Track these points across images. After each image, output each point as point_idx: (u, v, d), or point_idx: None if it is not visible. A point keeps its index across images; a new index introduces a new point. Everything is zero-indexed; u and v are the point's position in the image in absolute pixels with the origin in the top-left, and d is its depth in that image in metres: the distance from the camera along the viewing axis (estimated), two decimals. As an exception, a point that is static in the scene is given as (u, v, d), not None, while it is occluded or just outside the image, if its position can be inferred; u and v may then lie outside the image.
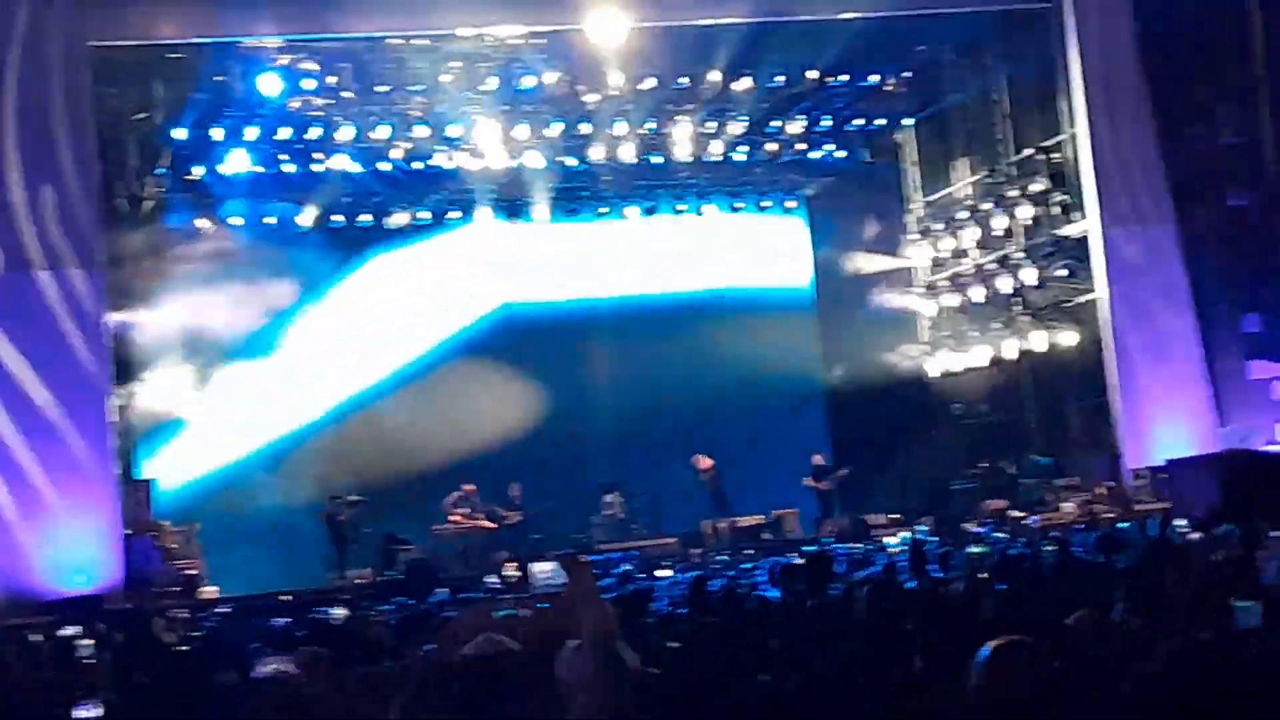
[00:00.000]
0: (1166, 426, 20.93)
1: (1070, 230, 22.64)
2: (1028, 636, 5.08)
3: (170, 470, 22.37)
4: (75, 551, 17.82)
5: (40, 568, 17.66)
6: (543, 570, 17.28)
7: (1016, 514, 20.77)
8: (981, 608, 8.65)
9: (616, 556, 19.13)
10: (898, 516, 22.26)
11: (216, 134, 22.19)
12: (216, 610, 15.75)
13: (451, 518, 22.57)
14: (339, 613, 12.70)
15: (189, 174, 22.87)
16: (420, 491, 23.13)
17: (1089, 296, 22.34)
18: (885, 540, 17.94)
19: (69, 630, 13.39)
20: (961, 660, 5.07)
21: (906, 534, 18.96)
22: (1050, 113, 23.09)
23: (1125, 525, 15.94)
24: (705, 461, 23.80)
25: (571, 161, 24.75)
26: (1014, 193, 23.64)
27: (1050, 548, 13.14)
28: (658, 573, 16.82)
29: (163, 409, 21.62)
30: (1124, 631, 6.89)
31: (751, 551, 19.84)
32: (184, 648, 11.39)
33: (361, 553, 22.10)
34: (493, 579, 18.46)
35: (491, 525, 22.72)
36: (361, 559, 21.95)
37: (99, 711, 7.37)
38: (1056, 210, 22.88)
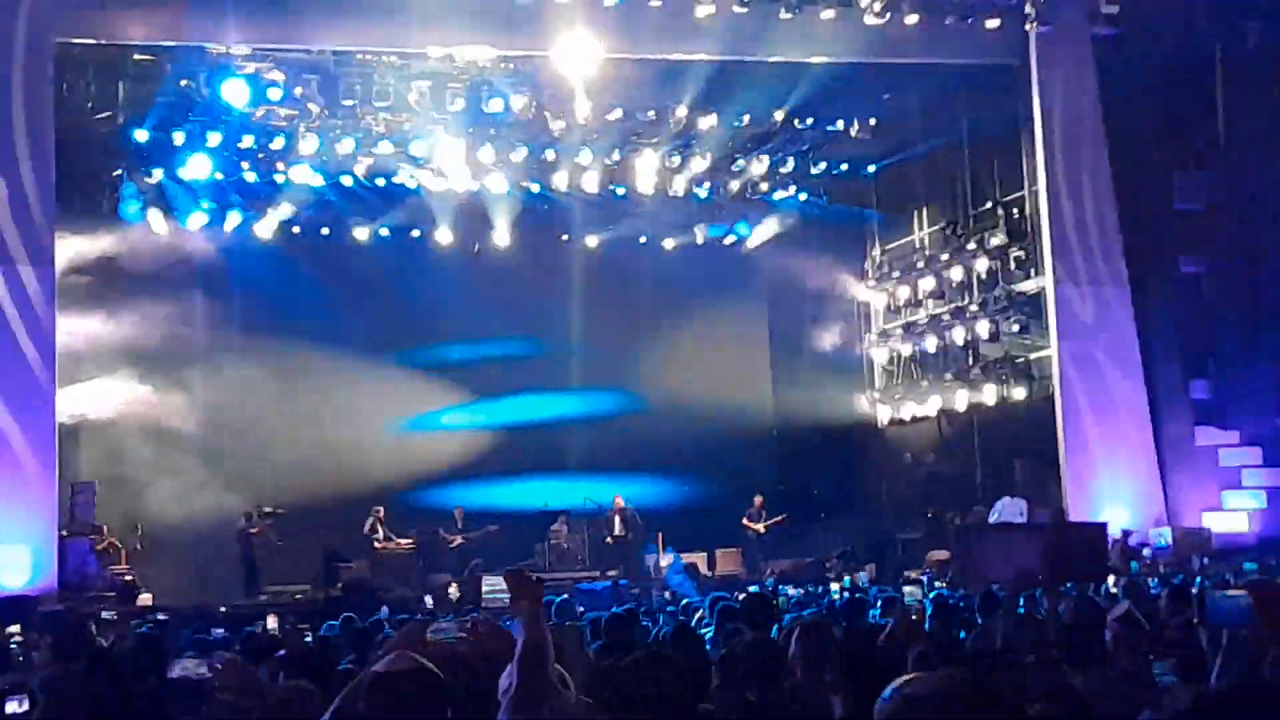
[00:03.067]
0: (1112, 485, 21.07)
1: (1025, 286, 22.85)
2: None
3: (109, 473, 22.03)
4: (11, 551, 17.53)
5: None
6: (492, 584, 17.36)
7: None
8: (907, 653, 8.63)
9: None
10: (839, 562, 22.27)
11: (178, 138, 22.07)
12: (150, 618, 15.52)
13: (376, 543, 22.45)
14: (271, 624, 12.57)
15: (149, 176, 22.71)
16: (365, 508, 22.94)
17: (1041, 353, 22.51)
18: (831, 585, 17.91)
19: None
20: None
21: (847, 578, 18.96)
22: (1012, 168, 23.33)
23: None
24: (620, 501, 23.73)
25: (534, 187, 24.77)
26: (972, 245, 23.86)
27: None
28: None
29: (107, 413, 21.36)
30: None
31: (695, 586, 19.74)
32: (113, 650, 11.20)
33: (289, 568, 21.90)
34: (429, 599, 18.35)
35: (408, 545, 22.61)
36: (296, 574, 21.78)
37: (26, 706, 7.30)
38: (1013, 265, 23.08)
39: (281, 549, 22.32)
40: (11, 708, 7.41)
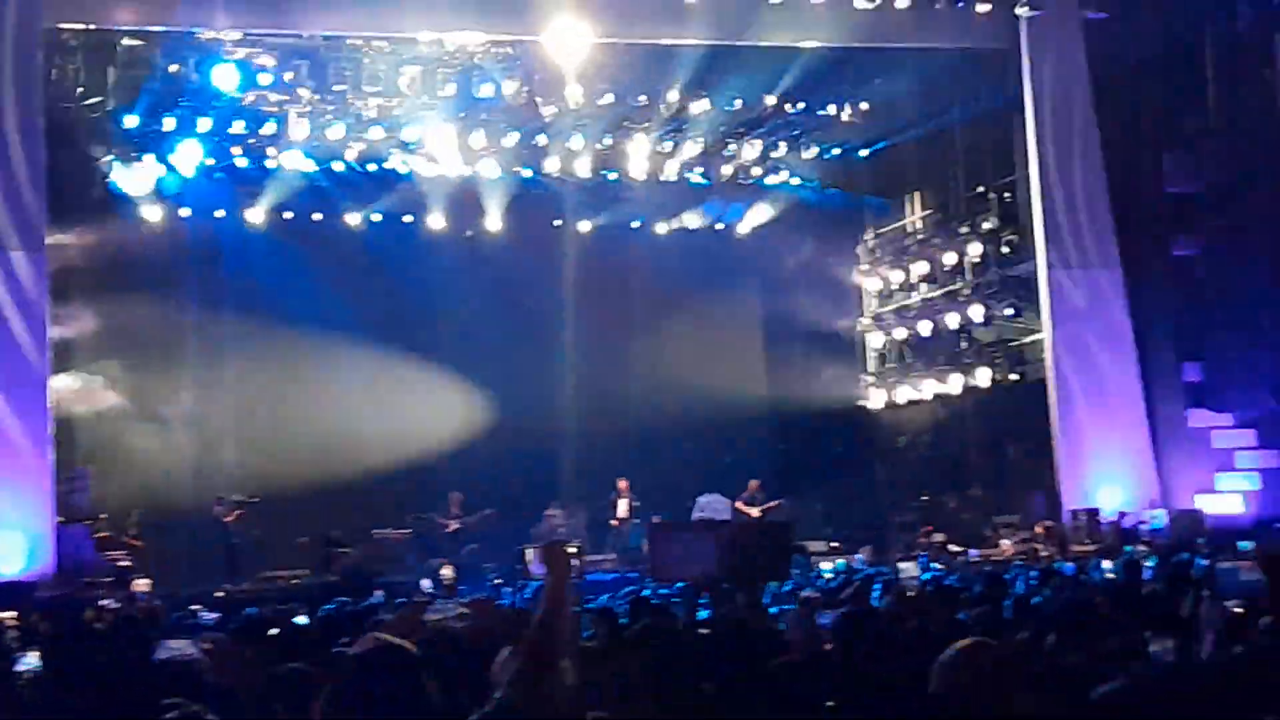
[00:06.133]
0: (1105, 467, 21.11)
1: (1018, 270, 22.84)
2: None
3: (103, 461, 21.98)
4: (7, 537, 17.50)
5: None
6: (532, 558, 17.34)
7: (955, 548, 20.89)
8: (907, 629, 8.68)
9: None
10: (837, 545, 22.30)
11: (169, 124, 21.98)
12: (144, 603, 15.52)
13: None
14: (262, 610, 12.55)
15: (139, 163, 22.63)
16: (362, 495, 22.92)
17: (1034, 337, 22.52)
18: (821, 566, 17.94)
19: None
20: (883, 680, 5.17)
21: (842, 560, 19.00)
22: (1004, 152, 23.34)
23: (1065, 565, 16.05)
24: (623, 484, 23.75)
25: (526, 173, 24.73)
26: (965, 229, 23.86)
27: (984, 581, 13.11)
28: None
29: (100, 400, 21.34)
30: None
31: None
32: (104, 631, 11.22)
33: (284, 554, 21.85)
34: (427, 583, 18.35)
35: (404, 533, 22.66)
36: (293, 561, 21.75)
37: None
38: (1006, 249, 23.08)
39: (274, 536, 22.28)
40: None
